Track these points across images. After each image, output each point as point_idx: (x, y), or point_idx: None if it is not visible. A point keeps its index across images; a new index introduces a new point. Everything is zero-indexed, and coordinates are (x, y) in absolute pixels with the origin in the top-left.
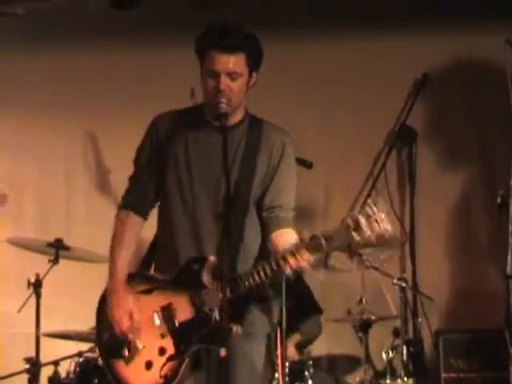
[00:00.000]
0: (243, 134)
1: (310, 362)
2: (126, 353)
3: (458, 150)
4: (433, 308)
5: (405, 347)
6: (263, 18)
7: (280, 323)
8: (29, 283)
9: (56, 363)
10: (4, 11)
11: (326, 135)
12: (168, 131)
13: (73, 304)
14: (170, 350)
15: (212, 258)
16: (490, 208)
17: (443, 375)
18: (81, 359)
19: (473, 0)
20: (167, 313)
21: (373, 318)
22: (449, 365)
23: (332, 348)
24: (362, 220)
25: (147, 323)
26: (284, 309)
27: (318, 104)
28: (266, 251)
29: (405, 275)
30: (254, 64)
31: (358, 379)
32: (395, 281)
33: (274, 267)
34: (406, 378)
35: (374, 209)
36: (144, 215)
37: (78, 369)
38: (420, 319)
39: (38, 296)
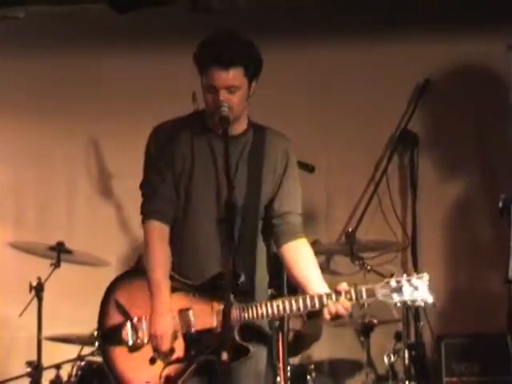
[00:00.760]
0: (247, 142)
1: (312, 366)
2: (132, 338)
3: (459, 154)
4: (435, 312)
5: (407, 351)
6: (263, 24)
7: (281, 327)
8: (30, 287)
9: (58, 367)
10: (5, 15)
11: (327, 139)
12: (172, 139)
13: (74, 308)
14: (179, 353)
15: (244, 276)
16: (492, 212)
17: (445, 379)
18: (82, 363)
19: (474, 7)
20: (185, 316)
21: (375, 321)
22: (450, 369)
23: (334, 352)
24: (406, 286)
25: None
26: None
27: (320, 109)
28: (272, 259)
29: None
30: (253, 74)
31: (359, 383)
32: None
33: (317, 306)
34: (407, 382)
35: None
36: (171, 222)
37: (79, 372)
38: (422, 323)
39: (40, 300)
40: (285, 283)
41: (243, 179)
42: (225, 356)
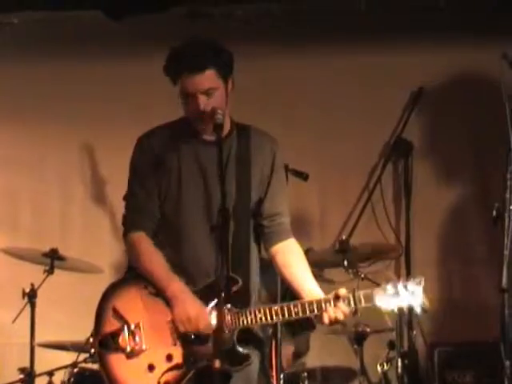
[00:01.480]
0: (232, 145)
1: (305, 374)
2: (129, 344)
3: (453, 162)
4: (428, 320)
5: (400, 359)
6: (258, 32)
7: (275, 334)
8: (23, 293)
9: (50, 373)
10: (0, 21)
11: (322, 147)
12: (160, 147)
13: (68, 314)
14: (178, 359)
15: (241, 282)
16: (485, 221)
17: None
18: (75, 369)
19: (469, 16)
20: None
21: (368, 330)
22: (443, 377)
23: (327, 360)
24: (403, 291)
25: (161, 327)
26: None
27: (314, 117)
28: (263, 260)
29: None
30: (226, 72)
31: None
32: None
33: (316, 311)
34: None
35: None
36: (153, 235)
37: (72, 379)
38: (415, 332)
39: (33, 306)
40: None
41: (231, 182)
42: (217, 364)
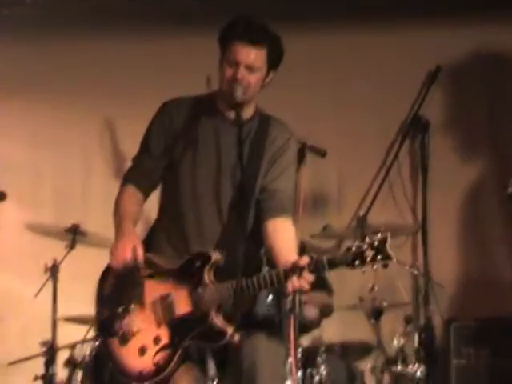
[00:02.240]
0: (251, 129)
1: (323, 348)
2: (120, 331)
3: (470, 140)
4: (444, 296)
5: (416, 334)
6: (277, 11)
7: (292, 309)
8: (46, 268)
9: (72, 347)
10: (13, 1)
11: (340, 124)
12: (180, 117)
13: (89, 289)
14: (165, 340)
15: (216, 256)
16: (502, 198)
17: (453, 362)
18: (96, 343)
19: None
20: (166, 303)
21: (385, 304)
22: (459, 352)
23: (344, 334)
24: (368, 252)
25: (145, 308)
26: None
27: (332, 94)
28: (257, 236)
29: (417, 263)
30: (273, 62)
31: (369, 365)
32: (407, 268)
33: (276, 283)
34: (417, 365)
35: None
36: (145, 194)
37: (93, 352)
38: (431, 307)
39: (55, 281)
40: None
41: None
42: (236, 337)
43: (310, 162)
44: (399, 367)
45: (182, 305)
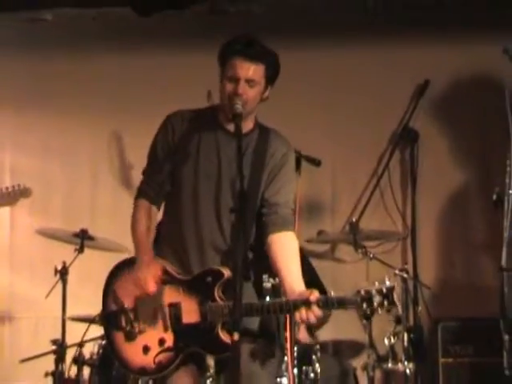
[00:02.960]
0: (251, 142)
1: (318, 347)
2: (127, 326)
3: (456, 150)
4: (432, 297)
5: (406, 334)
6: (275, 26)
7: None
8: (56, 271)
9: (80, 345)
10: (34, 17)
11: (333, 135)
12: (182, 129)
13: (96, 290)
14: (169, 343)
15: (228, 274)
16: (487, 205)
17: (441, 360)
18: (103, 341)
19: (473, 10)
20: (174, 310)
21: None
22: (446, 350)
23: (338, 334)
24: (376, 298)
25: (154, 312)
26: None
27: (326, 107)
28: (260, 250)
29: (406, 266)
30: (270, 77)
31: (361, 363)
32: (397, 271)
33: (285, 311)
34: (406, 362)
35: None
36: (158, 205)
37: (100, 350)
38: (420, 308)
39: (65, 283)
40: None
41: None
42: (236, 336)
43: (306, 171)
44: (390, 364)
45: (190, 314)
